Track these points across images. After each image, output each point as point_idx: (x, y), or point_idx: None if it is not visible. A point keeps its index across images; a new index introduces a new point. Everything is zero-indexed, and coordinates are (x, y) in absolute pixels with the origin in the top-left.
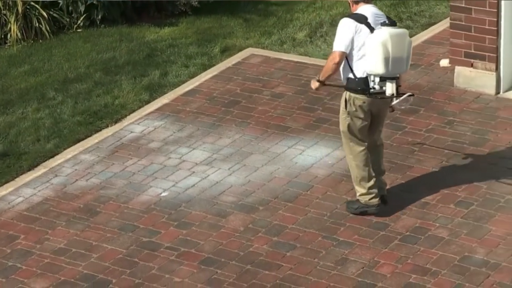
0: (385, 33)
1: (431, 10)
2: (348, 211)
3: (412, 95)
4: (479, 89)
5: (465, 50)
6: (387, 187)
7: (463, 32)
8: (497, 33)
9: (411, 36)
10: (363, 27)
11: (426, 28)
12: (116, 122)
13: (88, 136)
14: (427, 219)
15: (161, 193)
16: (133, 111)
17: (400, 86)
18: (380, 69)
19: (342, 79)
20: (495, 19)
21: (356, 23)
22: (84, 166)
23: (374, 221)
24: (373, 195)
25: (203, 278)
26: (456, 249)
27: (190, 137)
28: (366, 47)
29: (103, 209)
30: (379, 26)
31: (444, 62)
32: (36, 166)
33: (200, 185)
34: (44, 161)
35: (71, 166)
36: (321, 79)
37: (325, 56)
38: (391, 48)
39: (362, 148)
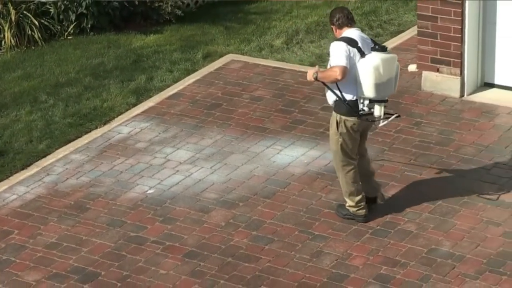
0: (377, 59)
1: (399, 18)
2: (337, 214)
3: (399, 116)
4: (444, 93)
5: (432, 56)
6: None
7: (429, 39)
8: (462, 40)
9: (381, 42)
10: (355, 51)
11: (395, 36)
12: (104, 124)
13: (78, 137)
14: (396, 214)
15: (147, 191)
16: (121, 113)
17: (386, 106)
18: (371, 93)
19: (329, 101)
20: (460, 27)
21: (349, 46)
22: (75, 165)
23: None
24: (361, 207)
25: (187, 270)
26: (423, 242)
27: (174, 137)
28: (358, 71)
29: (92, 205)
30: (369, 50)
31: (412, 67)
32: (29, 165)
33: (184, 182)
34: (36, 161)
35: (62, 166)
36: (318, 78)
37: (301, 62)
38: (382, 72)
39: (352, 166)
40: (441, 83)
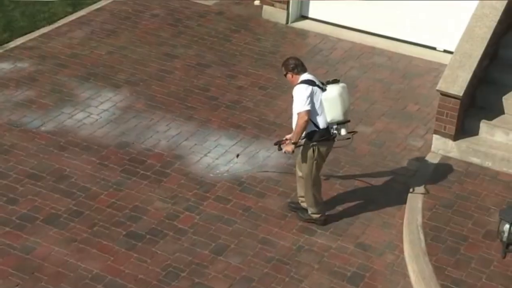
0: (338, 88)
1: None
2: (298, 218)
3: (356, 132)
4: (277, 20)
5: None
6: None
7: None
8: None
9: None
10: (316, 88)
11: None
12: (49, 24)
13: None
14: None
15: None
16: (61, 18)
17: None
18: (340, 116)
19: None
20: None
21: (310, 86)
22: None
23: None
24: (321, 214)
25: None
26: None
27: (98, 36)
28: (324, 102)
29: None
30: (325, 85)
31: (257, 2)
32: None
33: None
34: None
35: None
36: (295, 140)
37: None
38: (344, 98)
39: (319, 182)
40: (274, 13)
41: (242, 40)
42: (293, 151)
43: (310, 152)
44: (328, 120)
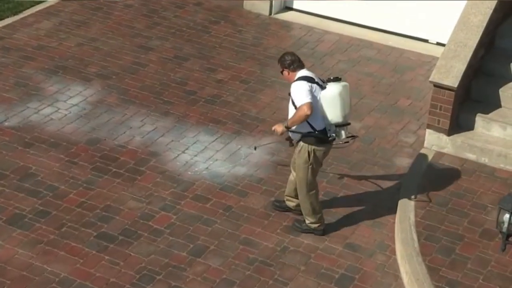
0: (338, 87)
1: None
2: (295, 229)
3: (357, 136)
4: (259, 11)
5: None
6: None
7: None
8: None
9: None
10: (315, 85)
11: None
12: (14, 15)
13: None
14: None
15: None
16: (28, 8)
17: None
18: (339, 117)
19: (295, 139)
20: None
21: (309, 83)
22: None
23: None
24: (320, 223)
25: None
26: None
27: (67, 27)
28: (323, 101)
29: None
30: (326, 82)
31: None
32: None
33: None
34: None
35: None
36: (289, 125)
37: None
38: (345, 98)
39: (316, 188)
40: (256, 4)
41: (222, 32)
42: (281, 134)
43: (305, 155)
44: (328, 120)
